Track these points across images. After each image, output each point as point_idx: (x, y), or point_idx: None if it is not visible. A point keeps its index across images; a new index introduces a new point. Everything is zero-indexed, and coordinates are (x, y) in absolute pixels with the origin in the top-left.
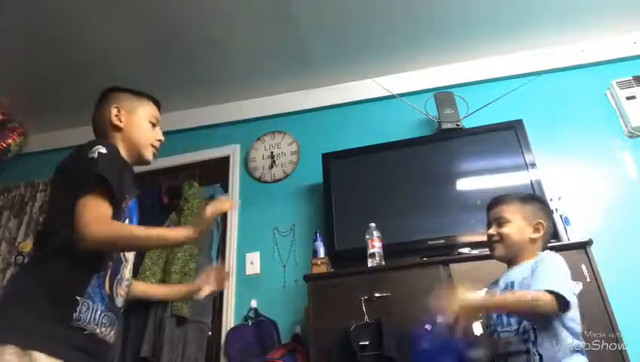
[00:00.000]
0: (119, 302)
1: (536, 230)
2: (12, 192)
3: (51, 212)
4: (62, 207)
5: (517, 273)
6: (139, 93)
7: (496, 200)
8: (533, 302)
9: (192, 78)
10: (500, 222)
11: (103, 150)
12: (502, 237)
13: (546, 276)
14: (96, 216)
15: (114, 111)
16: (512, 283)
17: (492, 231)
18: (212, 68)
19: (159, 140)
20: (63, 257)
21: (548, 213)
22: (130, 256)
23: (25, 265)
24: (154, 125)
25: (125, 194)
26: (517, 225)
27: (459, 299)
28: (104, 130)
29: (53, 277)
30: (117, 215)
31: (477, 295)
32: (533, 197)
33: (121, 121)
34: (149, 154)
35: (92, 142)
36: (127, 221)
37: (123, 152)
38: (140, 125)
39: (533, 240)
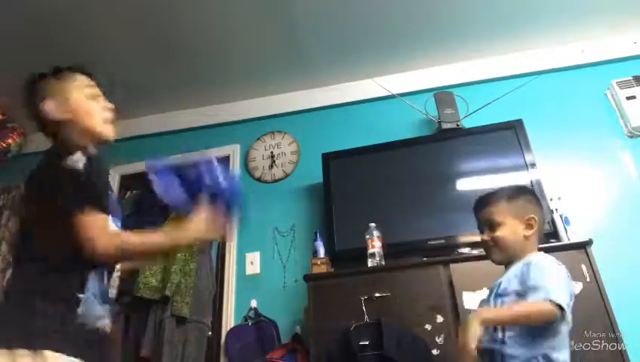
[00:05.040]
0: (112, 293)
1: (529, 226)
2: (12, 192)
3: (31, 216)
4: (44, 214)
5: (509, 275)
6: (60, 73)
7: (482, 202)
8: (537, 313)
9: (191, 78)
10: (492, 225)
11: (82, 160)
12: (496, 242)
13: (543, 282)
14: (97, 231)
15: (49, 105)
16: (505, 289)
17: (486, 236)
18: (212, 68)
19: (109, 109)
20: (53, 259)
21: (537, 203)
22: None
23: (19, 268)
24: (95, 97)
25: (107, 191)
26: (509, 226)
27: (477, 321)
28: (51, 128)
29: (51, 277)
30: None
31: (491, 312)
32: (519, 191)
33: (62, 113)
34: (107, 131)
35: (62, 150)
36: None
37: (80, 140)
38: (83, 107)
39: (527, 237)
